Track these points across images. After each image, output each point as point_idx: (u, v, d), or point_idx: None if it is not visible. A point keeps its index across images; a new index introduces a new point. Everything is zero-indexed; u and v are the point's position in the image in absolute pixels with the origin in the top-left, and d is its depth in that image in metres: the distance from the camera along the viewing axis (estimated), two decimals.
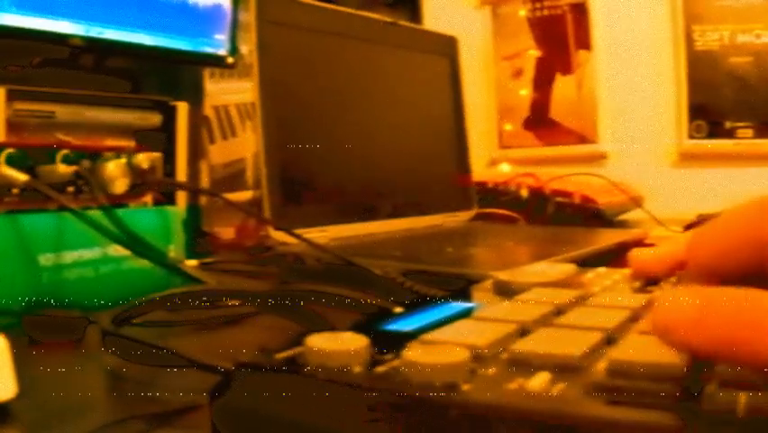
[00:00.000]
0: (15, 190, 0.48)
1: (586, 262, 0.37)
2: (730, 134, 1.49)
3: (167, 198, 0.66)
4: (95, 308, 0.42)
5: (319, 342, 0.20)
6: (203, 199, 0.93)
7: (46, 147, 0.53)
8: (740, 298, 0.18)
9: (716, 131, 1.51)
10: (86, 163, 0.53)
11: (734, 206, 0.23)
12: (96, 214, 0.47)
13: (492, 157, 1.68)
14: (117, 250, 0.49)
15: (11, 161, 0.49)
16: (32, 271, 0.45)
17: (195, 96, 1.05)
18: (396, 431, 0.18)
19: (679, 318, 0.18)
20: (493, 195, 1.02)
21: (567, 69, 1.67)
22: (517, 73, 1.72)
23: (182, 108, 0.86)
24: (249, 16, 0.71)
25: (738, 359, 0.17)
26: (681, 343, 0.18)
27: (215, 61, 0.99)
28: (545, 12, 1.69)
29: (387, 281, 0.45)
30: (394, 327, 0.24)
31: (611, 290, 0.30)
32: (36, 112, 0.72)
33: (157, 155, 0.61)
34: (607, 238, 0.73)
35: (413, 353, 0.19)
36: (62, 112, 0.74)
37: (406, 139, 0.88)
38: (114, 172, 0.54)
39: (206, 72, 1.10)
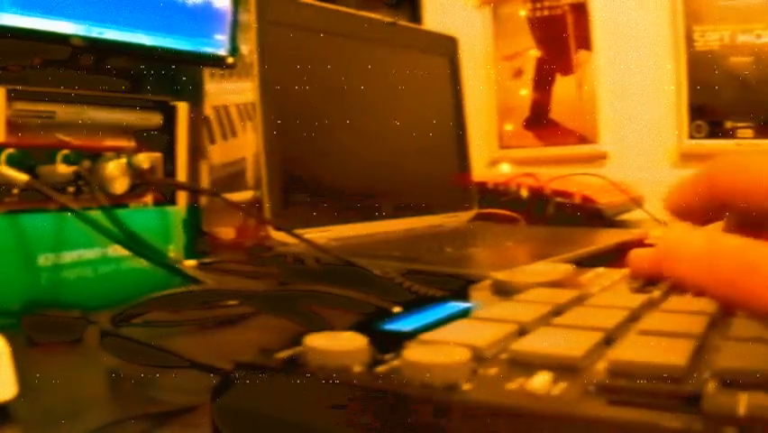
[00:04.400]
0: (16, 190, 0.48)
1: (586, 263, 0.37)
2: (731, 135, 1.49)
3: (167, 198, 0.66)
4: (94, 308, 0.42)
5: (319, 342, 0.20)
6: (203, 199, 0.93)
7: (46, 147, 0.53)
8: (745, 245, 0.19)
9: (716, 131, 1.50)
10: (86, 163, 0.53)
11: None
12: (96, 214, 0.47)
13: (492, 157, 1.68)
14: (117, 250, 0.49)
15: (11, 162, 0.49)
16: (31, 271, 0.45)
17: (195, 96, 1.05)
18: (396, 431, 0.18)
19: (687, 253, 0.19)
20: (493, 195, 1.02)
21: (567, 69, 1.67)
22: (518, 73, 1.72)
23: (182, 108, 0.86)
24: (249, 16, 0.71)
25: (739, 302, 0.18)
26: (686, 277, 0.19)
27: (216, 61, 0.99)
28: (545, 12, 1.69)
29: (386, 281, 0.45)
30: (393, 326, 0.24)
31: (610, 291, 0.30)
32: (36, 112, 0.72)
33: (157, 155, 0.62)
34: (607, 238, 0.73)
35: (413, 353, 0.19)
36: (63, 112, 0.74)
37: (407, 139, 0.88)
38: (115, 172, 0.54)
39: (207, 72, 1.10)
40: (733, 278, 0.18)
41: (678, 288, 0.26)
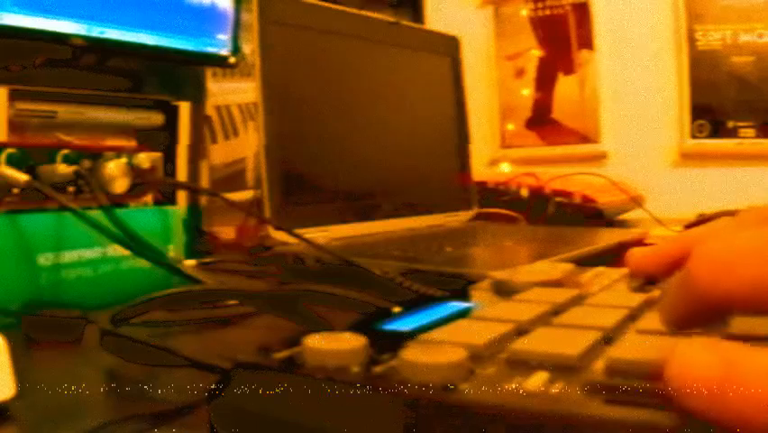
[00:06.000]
0: (16, 190, 0.48)
1: (586, 262, 0.37)
2: (732, 134, 1.49)
3: (167, 198, 0.66)
4: (94, 307, 0.42)
5: (317, 342, 0.20)
6: (203, 199, 0.93)
7: (47, 147, 0.53)
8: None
9: (718, 130, 1.51)
10: (86, 163, 0.53)
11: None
12: (96, 214, 0.47)
13: (493, 157, 1.68)
14: (117, 250, 0.49)
15: (12, 161, 0.49)
16: (31, 270, 0.45)
17: (197, 95, 1.05)
18: (393, 431, 0.18)
19: (697, 381, 0.16)
20: (494, 195, 1.02)
21: (569, 68, 1.67)
22: (519, 73, 1.72)
23: (184, 108, 0.87)
24: (251, 16, 0.71)
25: None
26: (698, 410, 0.16)
27: (217, 61, 0.99)
28: (547, 11, 1.69)
29: (386, 281, 0.45)
30: (392, 326, 0.24)
31: (609, 290, 0.30)
32: (37, 112, 0.72)
33: (158, 155, 0.61)
34: (607, 238, 0.73)
35: (411, 352, 0.19)
36: (63, 112, 0.74)
37: (408, 139, 0.88)
38: (115, 172, 0.54)
39: (209, 72, 1.10)
40: (751, 417, 0.15)
41: None
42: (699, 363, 0.16)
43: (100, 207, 0.48)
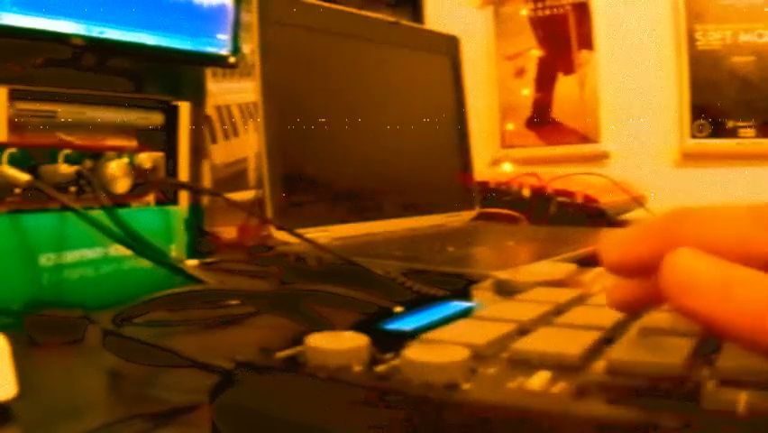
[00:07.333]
0: (17, 190, 0.48)
1: (587, 262, 0.37)
2: (732, 134, 1.49)
3: (169, 198, 0.66)
4: (96, 307, 0.42)
5: (319, 341, 0.20)
6: (205, 199, 0.93)
7: (48, 147, 0.53)
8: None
9: (718, 130, 1.50)
10: (88, 163, 0.53)
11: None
12: (97, 214, 0.47)
13: (494, 157, 1.67)
14: (119, 250, 0.49)
15: (13, 161, 0.49)
16: (33, 270, 0.45)
17: (197, 95, 1.05)
18: (396, 431, 0.18)
19: (699, 282, 0.16)
20: (495, 194, 1.02)
21: (569, 68, 1.67)
22: (519, 73, 1.72)
23: (184, 108, 0.86)
24: (251, 16, 0.71)
25: (761, 339, 0.15)
26: (698, 310, 0.16)
27: (218, 61, 0.99)
28: (547, 11, 1.68)
29: (388, 281, 0.45)
30: (394, 326, 0.24)
31: None
32: (38, 112, 0.72)
33: (159, 155, 0.62)
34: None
35: (413, 352, 0.19)
36: (64, 111, 0.74)
37: (408, 139, 0.88)
38: (116, 172, 0.54)
39: (209, 72, 1.10)
40: (755, 309, 0.15)
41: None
42: (698, 267, 0.16)
43: (102, 207, 0.48)
